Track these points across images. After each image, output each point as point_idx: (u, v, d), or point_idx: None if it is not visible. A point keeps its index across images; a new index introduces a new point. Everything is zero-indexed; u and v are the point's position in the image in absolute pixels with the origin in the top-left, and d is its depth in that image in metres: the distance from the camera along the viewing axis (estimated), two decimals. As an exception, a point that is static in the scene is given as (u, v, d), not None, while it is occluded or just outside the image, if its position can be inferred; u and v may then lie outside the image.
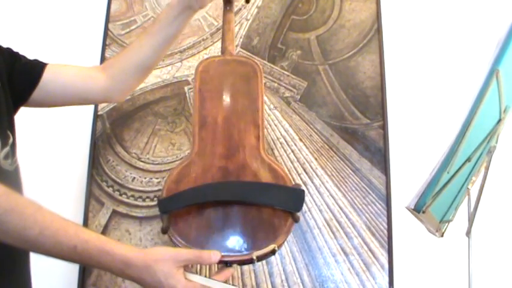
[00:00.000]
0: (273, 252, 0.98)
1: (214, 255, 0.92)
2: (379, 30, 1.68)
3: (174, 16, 1.18)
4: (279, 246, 0.99)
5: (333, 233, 1.52)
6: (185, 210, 1.02)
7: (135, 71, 1.21)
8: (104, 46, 1.70)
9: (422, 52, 1.67)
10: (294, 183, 1.04)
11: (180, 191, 1.02)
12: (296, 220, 1.01)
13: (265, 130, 1.59)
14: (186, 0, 1.17)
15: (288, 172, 1.09)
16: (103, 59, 1.67)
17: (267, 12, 1.73)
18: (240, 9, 1.71)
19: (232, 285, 0.91)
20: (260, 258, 0.97)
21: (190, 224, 1.01)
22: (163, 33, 1.19)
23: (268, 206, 1.01)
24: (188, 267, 0.93)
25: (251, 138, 1.09)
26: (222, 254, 0.94)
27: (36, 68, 1.12)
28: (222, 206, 1.02)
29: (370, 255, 1.50)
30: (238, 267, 1.50)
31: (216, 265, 0.99)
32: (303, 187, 1.08)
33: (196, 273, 0.97)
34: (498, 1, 1.67)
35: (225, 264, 0.96)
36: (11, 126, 1.03)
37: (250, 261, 0.97)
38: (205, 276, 0.91)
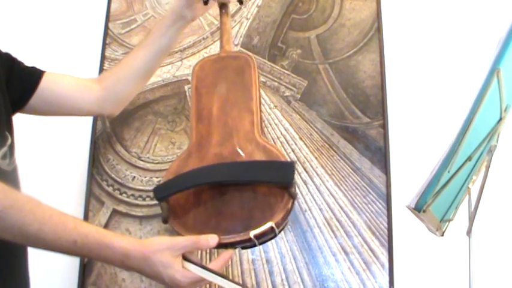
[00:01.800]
0: (272, 232, 0.97)
1: (211, 239, 0.92)
2: (379, 29, 1.67)
3: (167, 27, 1.19)
4: (278, 225, 0.97)
5: (333, 232, 1.52)
6: (183, 197, 1.02)
7: (129, 82, 1.23)
8: (104, 45, 1.70)
9: (422, 51, 1.67)
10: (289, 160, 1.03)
11: (170, 179, 1.04)
12: (293, 196, 0.99)
13: (266, 129, 1.59)
14: (178, 11, 1.19)
15: (285, 153, 1.07)
16: (103, 58, 1.67)
17: (267, 11, 1.73)
18: (240, 8, 1.71)
19: (225, 277, 0.91)
20: (260, 238, 0.96)
21: (188, 211, 1.02)
22: (157, 44, 1.20)
23: (260, 184, 1.01)
24: (191, 254, 0.93)
25: (245, 123, 1.10)
26: (220, 237, 0.94)
27: (35, 75, 1.13)
28: (218, 190, 1.02)
29: (370, 254, 1.50)
30: (239, 267, 1.50)
31: (217, 251, 0.99)
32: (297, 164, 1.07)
33: (198, 258, 0.98)
34: (499, 0, 1.67)
35: (224, 247, 0.96)
36: (9, 127, 1.03)
37: (250, 242, 0.96)
38: (203, 267, 0.91)
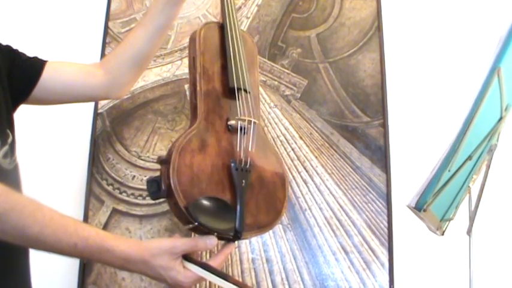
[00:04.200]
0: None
1: (209, 242, 0.93)
2: (379, 28, 1.67)
3: (163, 4, 1.17)
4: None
5: (333, 231, 1.52)
6: None
7: (132, 63, 1.20)
8: (104, 44, 1.70)
9: (422, 50, 1.67)
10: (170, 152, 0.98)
11: None
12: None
13: (266, 128, 1.59)
14: None
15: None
16: (103, 57, 1.67)
17: (267, 10, 1.72)
18: (240, 7, 1.71)
19: (224, 278, 0.91)
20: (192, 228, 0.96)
21: None
22: (155, 22, 1.18)
23: None
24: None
25: None
26: None
27: (36, 65, 1.12)
28: None
29: (370, 253, 1.50)
30: (239, 266, 1.50)
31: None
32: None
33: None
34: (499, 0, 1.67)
35: (227, 240, 0.97)
36: (10, 125, 1.02)
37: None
38: (204, 266, 0.91)
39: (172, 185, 0.92)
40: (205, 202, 0.93)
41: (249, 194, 0.98)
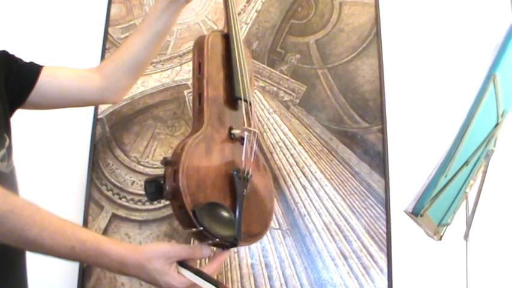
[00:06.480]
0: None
1: (205, 251, 0.94)
2: (378, 34, 1.68)
3: (161, 10, 1.18)
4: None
5: (332, 236, 1.53)
6: None
7: (128, 69, 1.21)
8: (104, 50, 1.70)
9: (421, 56, 1.68)
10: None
11: None
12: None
13: (265, 134, 1.60)
14: None
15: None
16: (103, 62, 1.68)
17: (266, 16, 1.73)
18: (240, 13, 1.72)
19: (216, 286, 0.92)
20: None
21: None
22: (152, 29, 1.19)
23: None
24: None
25: None
26: None
27: (32, 71, 1.12)
28: None
29: (369, 258, 1.50)
30: (238, 271, 1.50)
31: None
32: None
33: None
34: (496, 6, 1.68)
35: (223, 247, 0.97)
36: (7, 129, 1.03)
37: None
38: (197, 272, 0.92)
39: (180, 187, 0.91)
40: (211, 207, 0.93)
41: (246, 203, 0.99)
